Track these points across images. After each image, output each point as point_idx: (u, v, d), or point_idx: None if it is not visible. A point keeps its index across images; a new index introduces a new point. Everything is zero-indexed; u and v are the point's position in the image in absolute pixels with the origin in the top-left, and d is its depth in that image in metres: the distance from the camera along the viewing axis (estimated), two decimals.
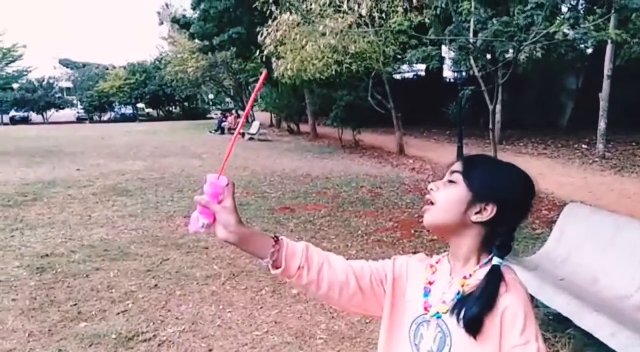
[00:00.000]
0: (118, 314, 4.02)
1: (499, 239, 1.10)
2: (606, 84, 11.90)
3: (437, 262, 1.22)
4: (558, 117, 18.97)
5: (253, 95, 1.28)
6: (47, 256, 5.43)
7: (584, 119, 14.71)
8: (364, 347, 3.48)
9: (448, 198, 1.13)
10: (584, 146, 13.73)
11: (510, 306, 1.04)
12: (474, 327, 1.05)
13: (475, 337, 1.05)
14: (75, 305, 4.17)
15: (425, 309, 1.16)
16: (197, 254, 5.52)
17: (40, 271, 4.95)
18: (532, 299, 3.39)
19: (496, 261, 1.09)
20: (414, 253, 1.31)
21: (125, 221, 6.94)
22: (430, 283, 1.19)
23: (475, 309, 1.04)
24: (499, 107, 13.69)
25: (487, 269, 1.09)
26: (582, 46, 15.29)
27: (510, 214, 1.11)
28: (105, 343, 3.52)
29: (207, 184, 1.06)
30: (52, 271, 4.95)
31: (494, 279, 1.07)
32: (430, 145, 16.91)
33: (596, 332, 2.86)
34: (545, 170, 10.26)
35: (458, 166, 1.15)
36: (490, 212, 1.09)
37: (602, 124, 11.95)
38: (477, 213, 1.10)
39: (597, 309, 3.00)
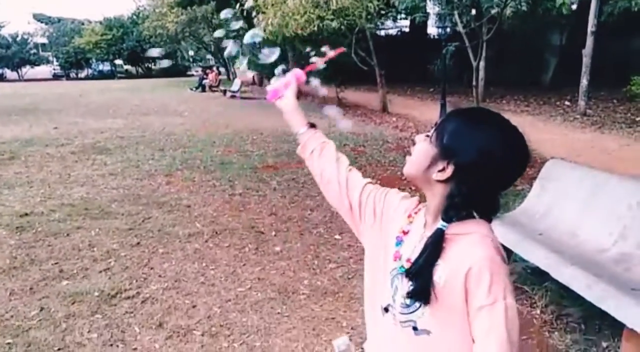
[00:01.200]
0: (100, 272, 4.01)
1: (447, 201, 1.06)
2: (589, 41, 11.83)
3: (415, 213, 1.21)
4: (541, 73, 18.97)
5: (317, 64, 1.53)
6: (27, 214, 5.35)
7: (567, 76, 14.72)
8: (345, 301, 3.52)
9: (417, 151, 1.11)
10: (566, 103, 13.79)
11: (475, 264, 1.00)
12: (416, 293, 1.06)
13: (424, 302, 1.05)
14: (56, 263, 4.15)
15: (395, 259, 1.15)
16: (179, 212, 5.49)
17: (20, 229, 4.89)
18: (511, 253, 3.44)
19: (440, 224, 1.05)
20: None
21: (105, 180, 6.86)
22: (405, 233, 1.17)
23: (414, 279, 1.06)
24: (482, 64, 13.63)
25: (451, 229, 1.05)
26: (567, 1, 15.15)
27: (468, 179, 1.03)
28: (87, 300, 3.51)
29: (300, 71, 1.49)
30: (32, 230, 4.89)
31: (430, 244, 1.05)
32: (414, 102, 16.84)
33: (572, 284, 2.92)
34: (527, 127, 10.01)
35: (440, 120, 1.13)
36: (448, 172, 1.04)
37: (584, 81, 11.96)
38: (439, 171, 1.06)
39: (574, 262, 3.06)
